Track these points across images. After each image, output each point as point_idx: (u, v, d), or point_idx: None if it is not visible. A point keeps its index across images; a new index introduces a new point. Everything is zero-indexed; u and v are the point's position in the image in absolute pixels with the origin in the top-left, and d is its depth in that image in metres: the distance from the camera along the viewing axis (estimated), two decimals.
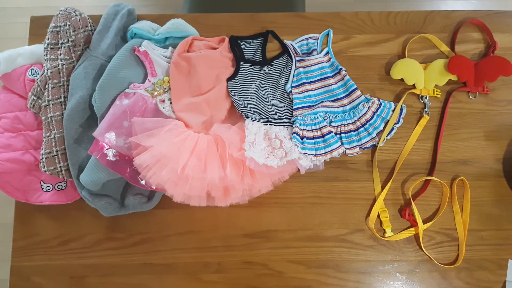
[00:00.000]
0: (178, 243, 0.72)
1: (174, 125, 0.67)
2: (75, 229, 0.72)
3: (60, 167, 0.67)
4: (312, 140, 0.71)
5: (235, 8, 1.06)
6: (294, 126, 0.72)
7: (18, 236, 0.72)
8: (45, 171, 0.67)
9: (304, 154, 0.69)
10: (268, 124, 0.71)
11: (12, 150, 0.69)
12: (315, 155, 0.70)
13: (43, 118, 0.69)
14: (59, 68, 0.69)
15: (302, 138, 0.71)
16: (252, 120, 0.70)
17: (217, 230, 0.72)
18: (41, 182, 0.71)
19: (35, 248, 0.72)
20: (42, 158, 0.67)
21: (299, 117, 0.73)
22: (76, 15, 0.71)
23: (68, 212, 0.72)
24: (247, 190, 0.68)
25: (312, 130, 0.72)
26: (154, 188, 0.67)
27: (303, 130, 0.71)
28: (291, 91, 0.76)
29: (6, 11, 1.52)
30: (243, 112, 0.71)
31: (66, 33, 0.70)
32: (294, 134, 0.70)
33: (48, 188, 0.70)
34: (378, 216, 0.72)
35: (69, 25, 0.69)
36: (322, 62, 0.78)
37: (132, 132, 0.65)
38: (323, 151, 0.70)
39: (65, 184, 0.71)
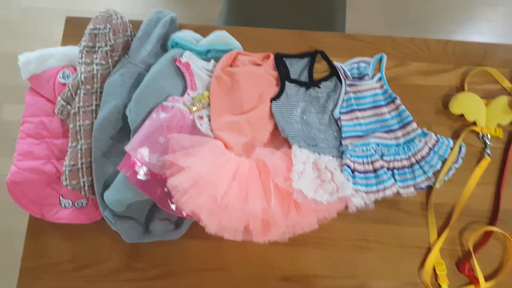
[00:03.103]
0: (204, 280, 0.63)
1: (214, 145, 0.61)
2: (91, 253, 0.64)
3: (83, 181, 0.60)
4: (364, 175, 0.64)
5: (269, 22, 1.01)
6: (344, 157, 0.64)
7: (28, 254, 0.64)
8: (66, 185, 0.60)
9: (355, 190, 0.61)
10: (316, 152, 0.64)
11: (33, 158, 0.63)
12: (366, 192, 0.62)
13: (70, 126, 0.63)
14: (93, 73, 0.64)
15: (353, 172, 0.63)
16: (299, 147, 0.63)
17: (249, 269, 0.64)
18: (60, 196, 0.63)
19: (45, 271, 0.64)
20: (65, 170, 0.60)
21: (350, 148, 0.66)
22: (117, 18, 0.66)
23: (86, 233, 0.65)
24: (290, 226, 0.60)
25: (363, 163, 0.65)
26: (185, 215, 0.59)
27: (354, 162, 0.64)
28: (339, 118, 0.70)
29: (32, 11, 1.50)
30: (289, 137, 0.64)
31: (105, 36, 0.64)
32: (345, 166, 0.63)
33: (68, 204, 0.63)
34: (434, 269, 0.63)
35: (109, 28, 0.64)
36: (375, 89, 0.71)
37: (169, 149, 0.59)
38: (375, 188, 0.63)
39: (86, 202, 0.63)
